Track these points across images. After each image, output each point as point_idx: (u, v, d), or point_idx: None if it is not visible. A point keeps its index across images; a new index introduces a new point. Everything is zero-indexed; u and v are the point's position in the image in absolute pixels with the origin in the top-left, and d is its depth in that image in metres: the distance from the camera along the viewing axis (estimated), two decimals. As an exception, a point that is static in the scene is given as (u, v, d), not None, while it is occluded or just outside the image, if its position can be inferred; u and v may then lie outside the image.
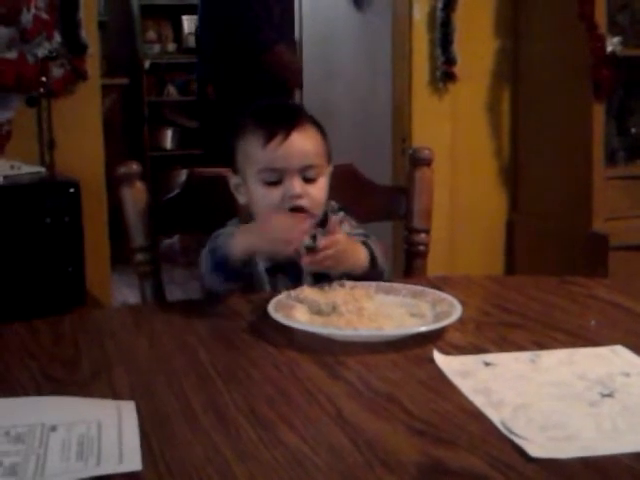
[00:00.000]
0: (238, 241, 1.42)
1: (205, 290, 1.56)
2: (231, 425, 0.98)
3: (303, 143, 1.52)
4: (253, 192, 1.54)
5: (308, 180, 1.52)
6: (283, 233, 1.37)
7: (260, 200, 1.53)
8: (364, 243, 1.51)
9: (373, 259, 1.50)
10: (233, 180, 1.59)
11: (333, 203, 1.60)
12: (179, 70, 6.22)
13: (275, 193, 1.51)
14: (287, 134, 1.50)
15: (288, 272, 1.54)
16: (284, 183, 1.51)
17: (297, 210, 1.50)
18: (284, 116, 1.55)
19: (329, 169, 1.57)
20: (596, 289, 1.56)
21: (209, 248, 1.48)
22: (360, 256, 1.48)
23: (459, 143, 3.74)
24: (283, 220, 1.42)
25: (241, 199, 1.59)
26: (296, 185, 1.50)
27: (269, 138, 1.50)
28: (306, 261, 1.39)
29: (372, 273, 1.49)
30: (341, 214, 1.61)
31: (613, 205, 3.39)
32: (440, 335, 1.27)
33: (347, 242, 1.44)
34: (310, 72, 4.68)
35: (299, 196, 1.50)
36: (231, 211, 1.67)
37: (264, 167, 1.51)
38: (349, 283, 1.41)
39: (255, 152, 1.52)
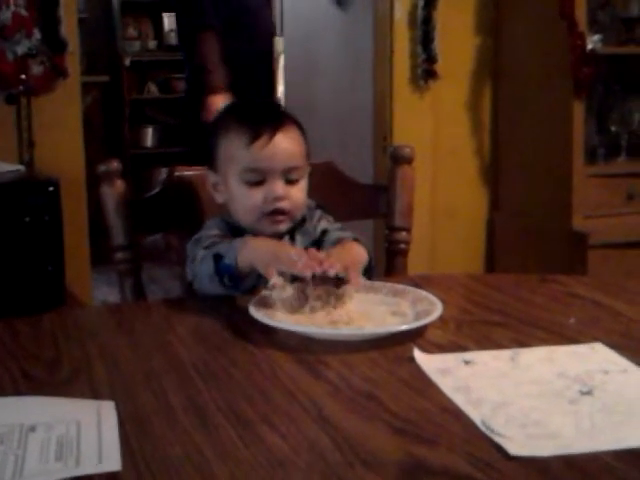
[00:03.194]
0: (244, 255, 1.39)
1: (189, 289, 1.55)
2: (211, 424, 0.97)
3: (287, 144, 1.51)
4: (234, 191, 1.53)
5: (290, 182, 1.52)
6: (290, 265, 1.32)
7: (241, 200, 1.52)
8: (356, 240, 1.51)
9: (369, 252, 1.50)
10: (212, 178, 1.58)
11: (310, 201, 1.60)
12: (160, 67, 6.20)
13: (257, 194, 1.50)
14: (272, 135, 1.49)
15: None
16: (266, 184, 1.50)
17: (278, 213, 1.50)
18: (268, 116, 1.54)
19: (308, 169, 1.57)
20: (576, 287, 1.57)
21: (204, 253, 1.46)
22: (363, 255, 1.47)
23: (440, 141, 3.75)
24: (294, 253, 1.35)
25: (219, 197, 1.58)
26: (278, 187, 1.50)
27: (254, 138, 1.49)
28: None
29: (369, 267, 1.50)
30: (318, 212, 1.61)
31: (593, 203, 3.41)
32: (421, 333, 1.27)
33: (356, 255, 1.44)
34: (292, 70, 4.68)
35: (281, 198, 1.50)
36: (211, 210, 1.66)
37: (247, 167, 1.50)
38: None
39: (238, 151, 1.51)
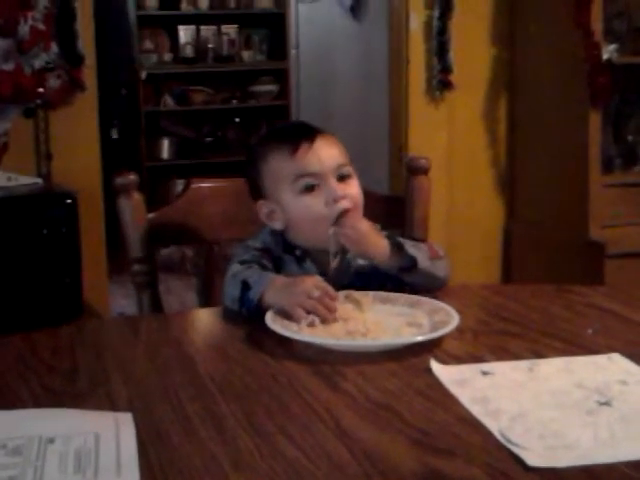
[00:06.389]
0: (270, 296, 1.38)
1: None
2: (229, 436, 0.98)
3: (328, 146, 1.52)
4: (292, 206, 1.50)
5: (344, 178, 1.51)
6: (315, 308, 1.33)
7: (302, 211, 1.49)
8: (389, 238, 1.49)
9: (401, 251, 1.48)
10: (264, 209, 1.54)
11: None
12: (176, 80, 6.22)
13: (316, 200, 1.48)
14: (311, 141, 1.50)
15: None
16: (323, 188, 1.48)
17: (344, 214, 1.47)
18: (303, 129, 1.56)
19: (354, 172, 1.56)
20: (593, 297, 1.56)
21: (237, 268, 1.45)
22: (380, 245, 1.47)
23: (456, 151, 3.75)
24: (313, 288, 1.34)
25: (277, 225, 1.54)
26: (335, 186, 1.48)
27: (295, 147, 1.49)
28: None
29: (410, 273, 1.49)
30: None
31: (610, 212, 3.39)
32: (437, 344, 1.27)
33: (370, 229, 1.46)
34: (307, 81, 4.70)
35: (342, 197, 1.48)
36: (228, 221, 1.67)
37: (297, 174, 1.49)
38: (345, 292, 1.41)
39: (284, 165, 1.50)
